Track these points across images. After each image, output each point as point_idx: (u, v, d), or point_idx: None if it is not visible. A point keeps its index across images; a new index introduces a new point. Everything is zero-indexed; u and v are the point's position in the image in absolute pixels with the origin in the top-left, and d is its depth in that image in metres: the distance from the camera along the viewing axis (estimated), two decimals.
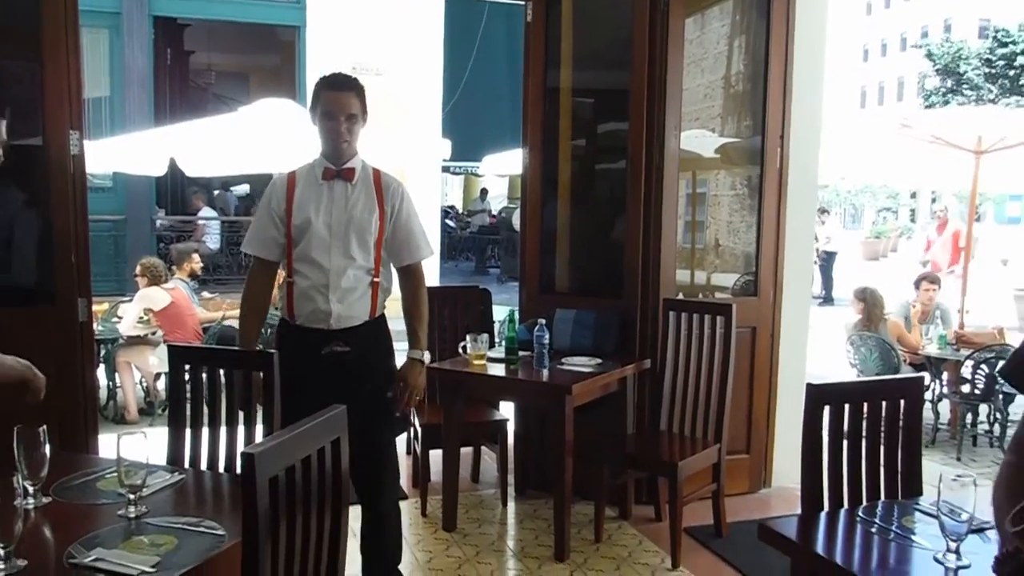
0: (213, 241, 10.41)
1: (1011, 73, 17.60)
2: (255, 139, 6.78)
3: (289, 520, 1.58)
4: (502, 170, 12.86)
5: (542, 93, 4.35)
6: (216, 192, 13.60)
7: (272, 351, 2.54)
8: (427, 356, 3.01)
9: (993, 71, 18.29)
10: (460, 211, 19.88)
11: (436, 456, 3.95)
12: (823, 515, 2.16)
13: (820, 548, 2.03)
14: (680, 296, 4.21)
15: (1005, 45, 17.98)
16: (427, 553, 3.51)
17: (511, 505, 4.13)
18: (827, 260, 13.67)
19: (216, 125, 7.49)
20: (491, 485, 4.33)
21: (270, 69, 14.23)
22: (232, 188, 14.60)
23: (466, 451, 4.21)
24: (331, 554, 1.75)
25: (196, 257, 6.84)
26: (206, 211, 10.82)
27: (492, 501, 4.18)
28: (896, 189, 18.09)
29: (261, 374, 2.49)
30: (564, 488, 3.44)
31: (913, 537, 1.95)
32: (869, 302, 6.05)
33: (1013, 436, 1.36)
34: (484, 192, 18.60)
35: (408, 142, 8.71)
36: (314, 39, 10.12)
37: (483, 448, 4.44)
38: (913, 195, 18.84)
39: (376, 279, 2.84)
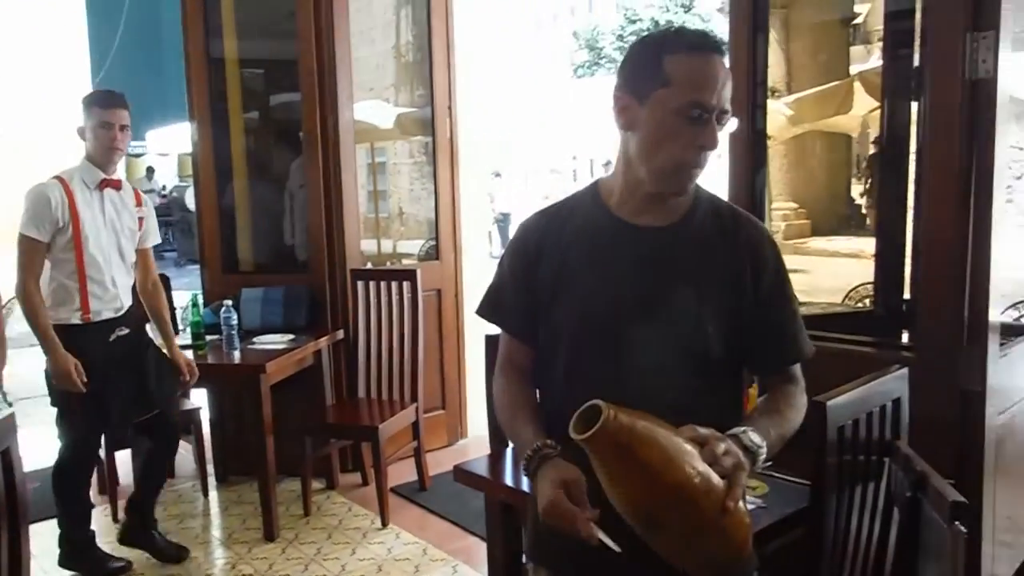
0: None
1: None
2: None
3: None
4: (169, 147, 11.98)
5: (205, 64, 4.14)
6: None
7: None
8: None
9: (625, 45, 20.70)
10: None
11: (123, 457, 3.70)
12: (508, 450, 2.39)
13: (508, 479, 2.25)
14: (368, 266, 4.30)
15: (634, 22, 20.45)
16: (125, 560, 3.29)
17: (213, 495, 3.99)
18: (504, 220, 14.60)
19: None
20: (189, 477, 4.14)
21: None
22: None
23: None
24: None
25: None
26: None
27: (192, 494, 4.00)
28: (562, 152, 19.77)
29: None
30: (267, 468, 3.40)
31: None
32: None
33: None
34: (151, 171, 17.22)
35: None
36: None
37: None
38: (574, 157, 20.69)
39: None
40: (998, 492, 2.20)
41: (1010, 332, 2.53)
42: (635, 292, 1.39)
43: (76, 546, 3.15)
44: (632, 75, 1.38)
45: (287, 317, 3.93)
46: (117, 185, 3.12)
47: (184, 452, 4.23)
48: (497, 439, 2.43)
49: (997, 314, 2.23)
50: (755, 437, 1.29)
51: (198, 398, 4.08)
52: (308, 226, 4.08)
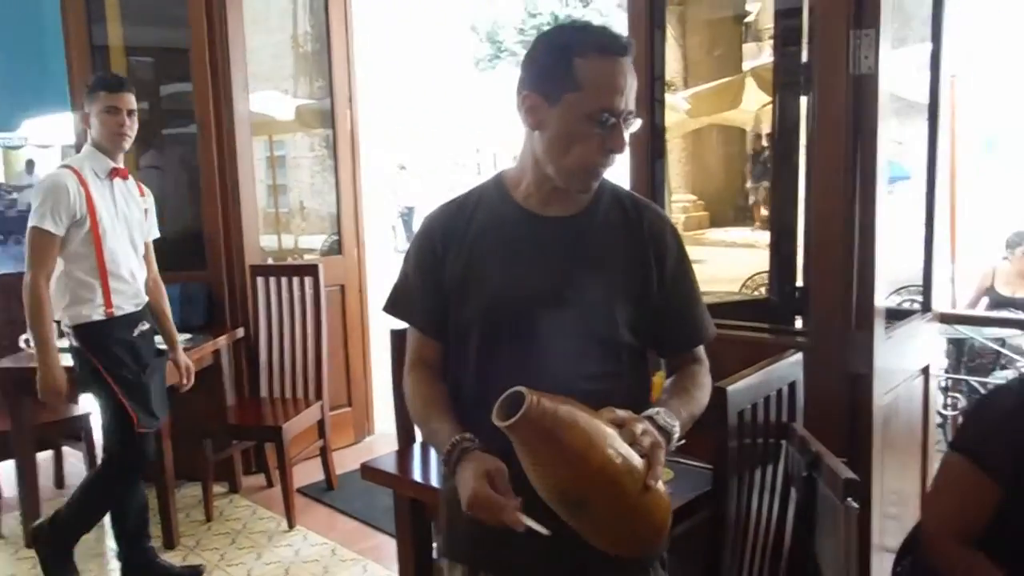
0: None
1: None
2: None
3: None
4: (50, 139, 11.35)
5: (88, 51, 3.94)
6: None
7: None
8: None
9: (526, 38, 20.82)
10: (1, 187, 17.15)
11: (7, 468, 3.49)
12: (416, 446, 2.37)
13: (417, 475, 2.23)
14: (269, 261, 4.18)
15: (534, 16, 20.61)
16: None
17: None
18: (408, 214, 14.49)
19: None
20: None
21: None
22: None
23: (44, 455, 3.76)
24: None
25: None
26: None
27: None
28: (466, 145, 19.77)
29: None
30: (165, 473, 3.27)
31: None
32: None
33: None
34: (30, 164, 16.27)
35: None
36: None
37: (65, 449, 4.00)
38: (478, 151, 20.70)
39: None
40: (886, 468, 2.32)
41: (895, 316, 2.67)
42: (545, 282, 1.41)
43: (138, 560, 3.01)
44: (540, 74, 1.38)
45: (183, 316, 3.78)
46: (125, 174, 2.96)
47: (75, 460, 4.03)
48: (405, 435, 2.40)
49: (883, 300, 2.35)
50: (668, 417, 1.33)
51: (87, 403, 3.88)
52: (203, 221, 3.93)
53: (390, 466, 2.21)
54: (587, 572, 1.40)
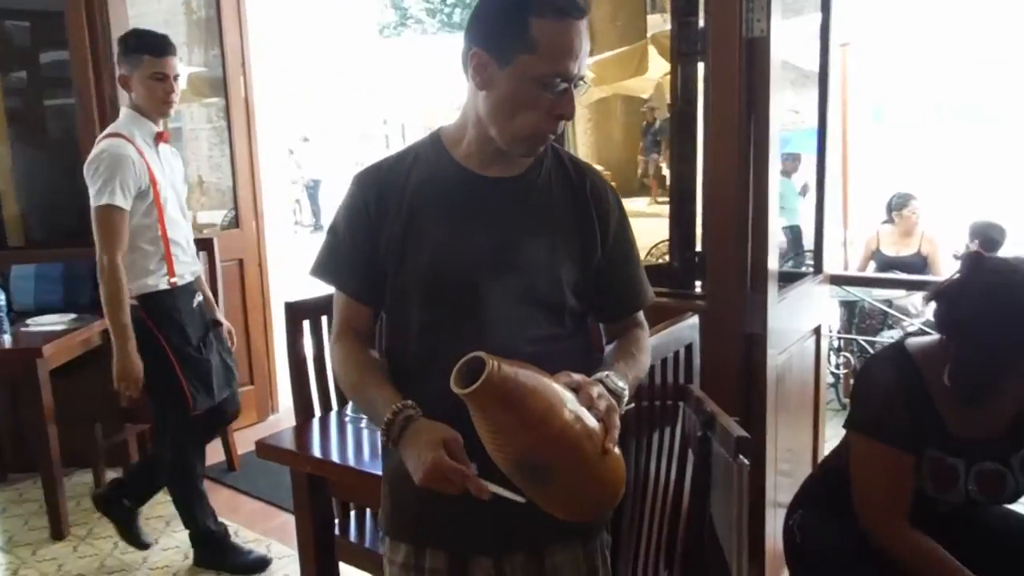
0: None
1: (446, 9, 19.95)
2: None
3: None
4: None
5: None
6: None
7: None
8: None
9: (431, 6, 20.50)
10: None
11: None
12: (315, 421, 2.30)
13: (316, 450, 2.17)
14: None
15: None
16: None
17: None
18: (314, 187, 14.15)
19: None
20: None
21: None
22: None
23: None
24: None
25: None
26: None
27: None
28: (372, 116, 19.37)
29: None
30: (50, 461, 3.11)
31: None
32: None
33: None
34: None
35: None
36: None
37: None
38: (385, 122, 20.34)
39: None
40: (780, 426, 2.39)
41: (789, 279, 2.74)
42: (489, 244, 1.35)
43: (213, 539, 2.94)
44: (492, 32, 1.30)
45: (68, 295, 3.59)
46: (167, 138, 2.86)
47: None
48: (303, 409, 2.33)
49: (776, 263, 2.40)
50: (618, 380, 1.31)
51: None
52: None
53: (287, 442, 2.15)
54: (538, 543, 1.39)
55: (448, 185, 1.39)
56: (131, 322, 2.64)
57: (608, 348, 1.51)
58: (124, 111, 2.76)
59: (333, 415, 2.34)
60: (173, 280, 2.75)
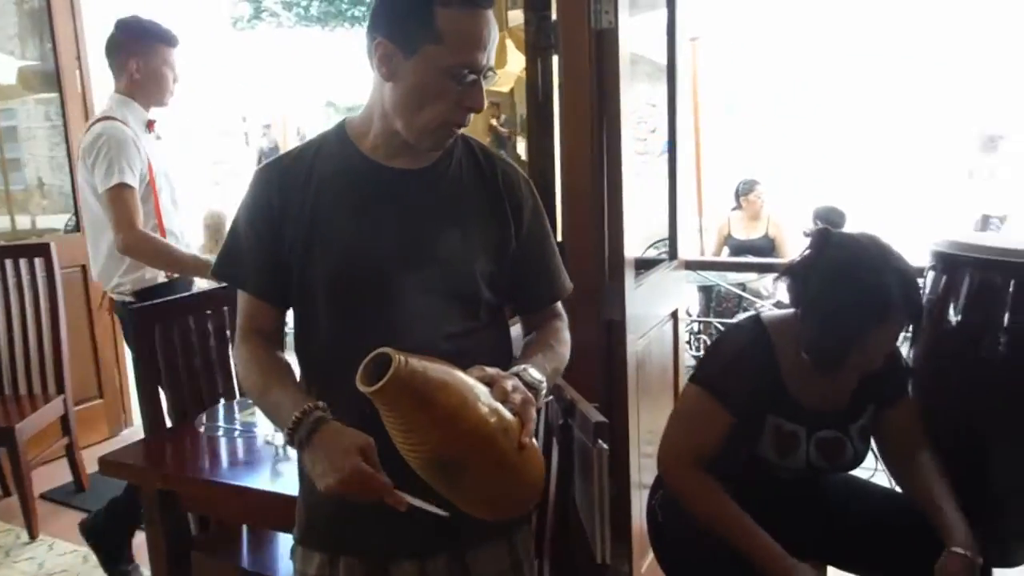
0: None
1: (303, 2, 19.46)
2: None
3: None
4: None
5: None
6: None
7: None
8: None
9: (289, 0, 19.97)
10: None
11: None
12: (167, 432, 2.18)
13: (167, 464, 2.06)
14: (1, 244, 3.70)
15: None
16: None
17: None
18: None
19: None
20: None
21: None
22: None
23: None
24: None
25: None
26: None
27: None
28: (230, 113, 18.67)
29: None
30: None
31: (255, 429, 2.11)
32: (211, 225, 6.17)
33: None
34: None
35: None
36: None
37: None
38: (244, 119, 19.66)
39: None
40: (641, 410, 2.45)
41: (647, 266, 2.81)
42: (399, 237, 1.31)
43: None
44: (396, 21, 1.25)
45: None
46: (152, 127, 2.76)
47: None
48: (151, 421, 2.20)
49: (633, 251, 2.45)
50: (535, 373, 1.28)
51: None
52: None
53: (134, 457, 2.02)
54: (458, 546, 1.36)
55: (355, 178, 1.34)
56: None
57: (526, 339, 1.48)
58: (113, 96, 2.69)
59: (186, 425, 2.22)
60: (171, 272, 2.67)
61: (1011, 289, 1.79)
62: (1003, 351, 1.81)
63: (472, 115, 1.31)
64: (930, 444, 1.82)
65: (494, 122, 3.31)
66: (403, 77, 1.26)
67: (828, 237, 1.76)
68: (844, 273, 1.68)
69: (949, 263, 1.91)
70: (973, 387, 1.84)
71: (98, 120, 2.62)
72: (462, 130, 1.36)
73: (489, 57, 1.27)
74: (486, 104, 1.30)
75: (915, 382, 1.90)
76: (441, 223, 1.35)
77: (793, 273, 1.78)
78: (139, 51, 2.65)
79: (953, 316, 1.89)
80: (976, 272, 1.86)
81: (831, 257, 1.72)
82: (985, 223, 7.16)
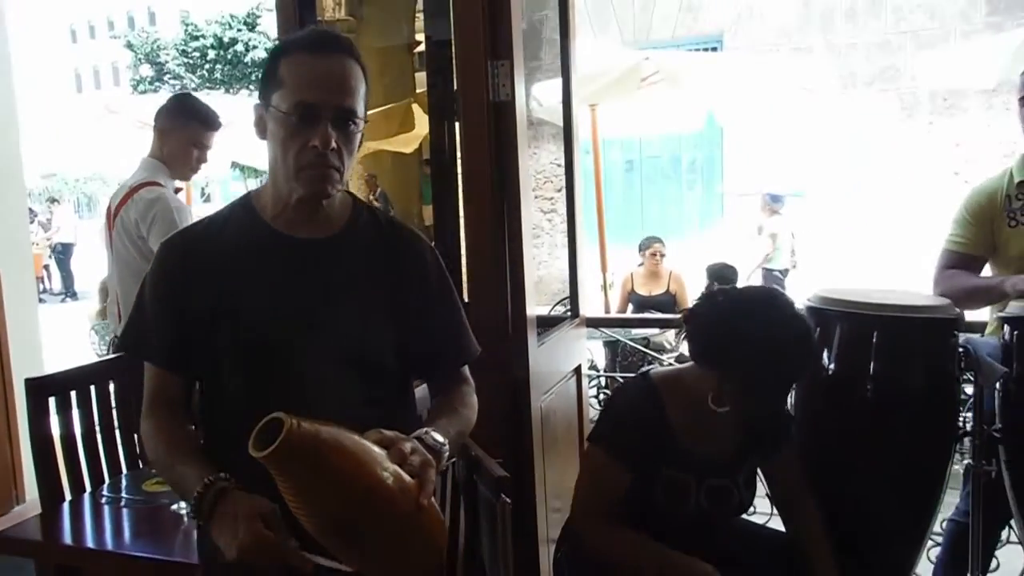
0: None
1: (206, 65, 19.36)
2: None
3: None
4: None
5: None
6: None
7: None
8: None
9: (191, 61, 19.78)
10: None
11: None
12: (66, 505, 2.12)
13: (67, 538, 2.00)
14: None
15: (197, 39, 19.62)
16: None
17: None
18: (64, 252, 13.01)
19: None
20: None
21: None
22: None
23: None
24: None
25: None
26: None
27: None
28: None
29: None
30: None
31: (162, 499, 2.08)
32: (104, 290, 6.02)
33: None
34: None
35: None
36: None
37: None
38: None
39: None
40: (548, 465, 2.51)
41: (550, 323, 2.91)
42: (300, 307, 1.34)
43: None
44: (261, 83, 1.35)
45: None
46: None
47: None
48: (49, 494, 2.14)
49: (536, 310, 2.55)
50: (437, 436, 1.31)
51: None
52: None
53: (31, 532, 1.96)
54: None
55: (259, 249, 1.38)
56: None
57: (432, 404, 1.52)
58: (146, 160, 2.79)
59: (87, 497, 2.17)
60: None
61: (874, 339, 1.95)
62: (871, 397, 1.96)
63: (341, 159, 1.33)
64: (811, 491, 1.94)
65: (371, 197, 3.50)
66: (269, 132, 1.35)
67: (713, 295, 1.88)
68: (725, 327, 1.79)
69: (821, 316, 2.06)
70: (845, 432, 1.99)
71: (147, 183, 2.75)
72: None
73: (340, 99, 1.32)
74: (358, 174, 1.39)
75: (796, 427, 2.04)
76: (344, 293, 1.39)
77: (688, 331, 1.88)
78: (177, 123, 2.83)
79: (827, 364, 2.05)
80: (845, 324, 2.02)
81: (714, 312, 1.83)
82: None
